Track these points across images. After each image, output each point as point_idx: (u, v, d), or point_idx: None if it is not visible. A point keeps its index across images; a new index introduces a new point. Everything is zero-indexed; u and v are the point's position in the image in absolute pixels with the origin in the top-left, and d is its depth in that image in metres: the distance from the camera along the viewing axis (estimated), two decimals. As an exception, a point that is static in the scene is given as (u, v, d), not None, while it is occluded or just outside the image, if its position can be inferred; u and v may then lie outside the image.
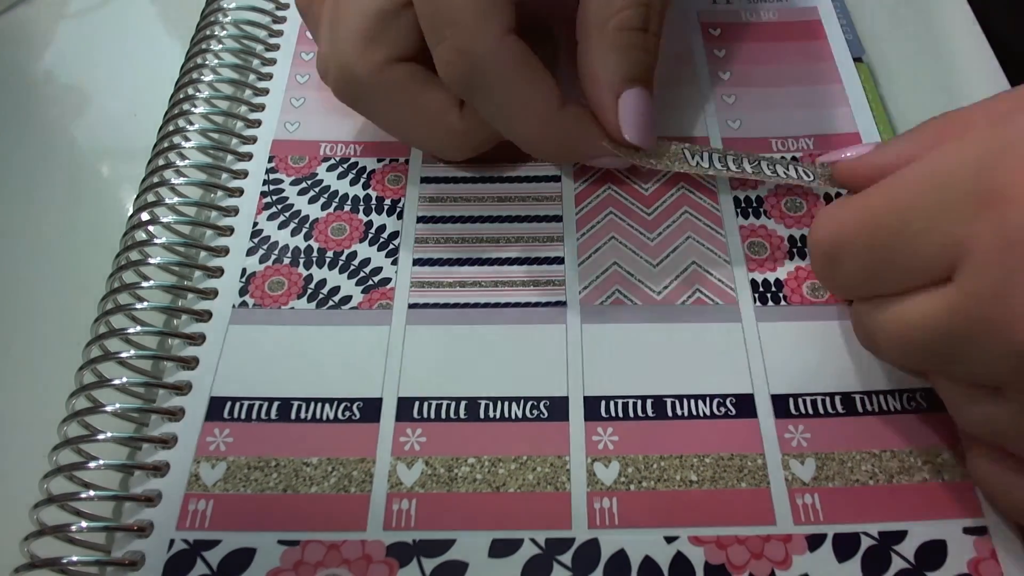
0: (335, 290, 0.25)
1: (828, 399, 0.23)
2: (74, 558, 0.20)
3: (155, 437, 0.22)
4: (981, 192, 0.17)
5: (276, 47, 0.31)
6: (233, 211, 0.27)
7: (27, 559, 0.20)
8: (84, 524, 0.20)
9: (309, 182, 0.27)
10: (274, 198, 0.27)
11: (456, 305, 0.24)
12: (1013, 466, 0.19)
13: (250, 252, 0.26)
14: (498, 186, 0.27)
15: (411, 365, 0.23)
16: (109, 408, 0.22)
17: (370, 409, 0.22)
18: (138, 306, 0.24)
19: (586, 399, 0.23)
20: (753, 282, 0.25)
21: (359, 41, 0.24)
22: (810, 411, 0.22)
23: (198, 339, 0.24)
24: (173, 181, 0.26)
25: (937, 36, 0.32)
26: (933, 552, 0.20)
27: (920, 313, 0.18)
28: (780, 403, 0.22)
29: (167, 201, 0.26)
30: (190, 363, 0.23)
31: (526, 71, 0.23)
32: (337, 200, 0.27)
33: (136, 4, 0.35)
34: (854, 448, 0.22)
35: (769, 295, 0.25)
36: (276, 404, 0.23)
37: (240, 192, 0.27)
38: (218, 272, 0.25)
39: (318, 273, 0.25)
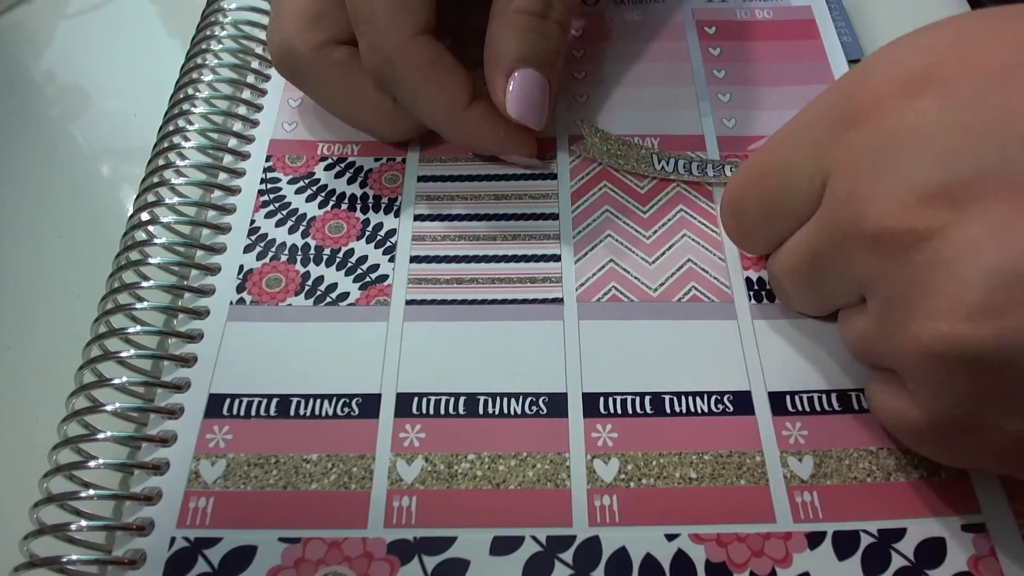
0: (332, 287, 0.25)
1: (824, 396, 0.23)
2: (74, 557, 0.20)
3: (154, 436, 0.22)
4: (837, 121, 0.19)
5: (274, 47, 0.31)
6: (231, 209, 0.27)
7: (27, 558, 0.20)
8: (84, 523, 0.20)
9: (306, 181, 0.27)
10: (271, 196, 0.27)
11: (453, 301, 0.24)
12: (897, 391, 0.20)
13: (247, 249, 0.26)
14: (494, 184, 0.27)
15: (409, 361, 0.23)
16: (109, 407, 0.22)
17: (369, 405, 0.22)
18: (138, 306, 0.24)
19: (584, 395, 0.23)
20: (748, 280, 0.25)
21: (301, 20, 0.26)
22: (807, 408, 0.22)
23: (196, 337, 0.24)
24: (173, 181, 0.26)
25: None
26: (933, 550, 0.20)
27: (800, 240, 0.21)
28: (777, 400, 0.23)
29: (167, 201, 0.26)
30: (188, 361, 0.23)
31: (433, 70, 0.25)
32: (334, 198, 0.27)
33: (136, 4, 0.35)
34: (851, 445, 0.22)
35: (764, 293, 0.25)
36: (275, 400, 0.23)
37: (238, 191, 0.27)
38: (215, 269, 0.25)
39: (315, 270, 0.25)
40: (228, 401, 0.23)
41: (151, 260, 0.25)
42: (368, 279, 0.25)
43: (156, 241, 0.25)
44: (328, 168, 0.28)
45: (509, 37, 0.24)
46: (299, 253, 0.26)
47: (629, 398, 0.23)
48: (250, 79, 0.30)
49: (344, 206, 0.27)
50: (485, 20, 0.25)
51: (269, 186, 0.27)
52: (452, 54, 0.25)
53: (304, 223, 0.26)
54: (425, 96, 0.25)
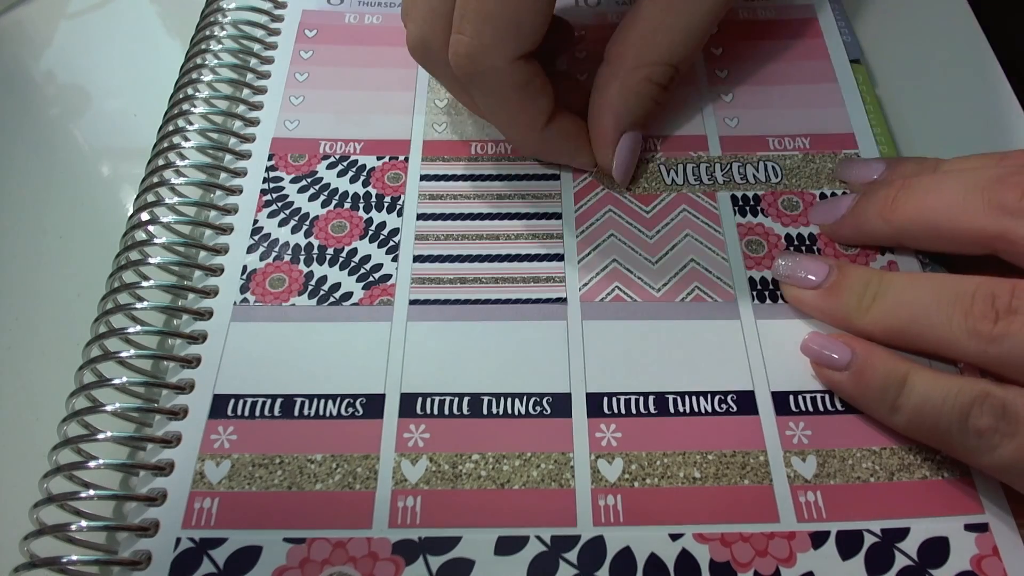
0: (336, 287, 0.25)
1: (827, 396, 0.23)
2: (74, 557, 0.20)
3: (158, 437, 0.22)
4: None
5: (274, 46, 0.31)
6: (233, 209, 0.27)
7: (27, 558, 0.20)
8: (84, 523, 0.20)
9: (309, 180, 0.27)
10: (274, 196, 0.27)
11: (457, 301, 0.24)
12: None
13: (250, 249, 0.26)
14: (497, 183, 0.27)
15: (413, 361, 0.23)
16: (109, 408, 0.22)
17: (373, 405, 0.22)
18: (138, 306, 0.24)
19: (588, 395, 0.23)
20: (751, 280, 0.25)
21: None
22: (810, 408, 0.22)
23: (199, 338, 0.24)
24: (173, 181, 0.26)
25: (936, 37, 0.33)
26: (936, 549, 0.20)
27: None
28: (780, 400, 0.23)
29: (167, 201, 0.26)
30: (192, 362, 0.23)
31: (520, 93, 0.24)
32: (337, 197, 0.27)
33: (136, 4, 0.35)
34: (854, 445, 0.22)
35: (767, 293, 0.25)
36: (279, 401, 0.23)
37: (240, 190, 0.27)
38: (218, 270, 0.25)
39: (319, 270, 0.25)
40: (232, 402, 0.23)
41: (151, 260, 0.24)
42: (371, 279, 0.25)
43: (156, 241, 0.25)
44: (331, 167, 0.28)
45: (632, 103, 0.25)
46: (302, 253, 0.25)
47: (633, 398, 0.23)
48: (249, 78, 0.30)
49: (347, 205, 0.27)
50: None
51: (272, 185, 0.27)
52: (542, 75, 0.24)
53: (307, 223, 0.26)
54: (505, 114, 0.25)
